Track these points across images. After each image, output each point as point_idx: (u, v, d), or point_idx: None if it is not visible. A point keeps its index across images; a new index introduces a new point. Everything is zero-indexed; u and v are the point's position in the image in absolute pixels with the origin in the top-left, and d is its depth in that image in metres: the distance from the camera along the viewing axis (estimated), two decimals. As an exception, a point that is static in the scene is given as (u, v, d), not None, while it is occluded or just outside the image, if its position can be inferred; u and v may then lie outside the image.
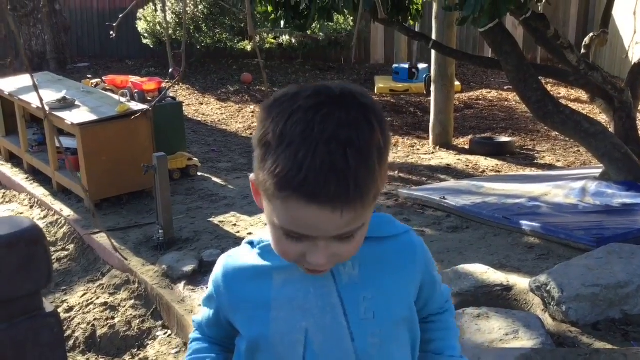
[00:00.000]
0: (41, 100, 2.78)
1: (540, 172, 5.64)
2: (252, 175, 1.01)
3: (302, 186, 0.89)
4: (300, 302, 1.06)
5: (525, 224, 3.82)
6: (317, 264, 0.97)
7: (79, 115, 4.83)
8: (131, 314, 3.71)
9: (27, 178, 5.68)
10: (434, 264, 1.20)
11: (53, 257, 4.46)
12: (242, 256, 1.13)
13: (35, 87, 2.93)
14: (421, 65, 9.28)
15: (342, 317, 1.06)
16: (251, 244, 1.13)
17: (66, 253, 4.52)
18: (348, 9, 3.55)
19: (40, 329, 0.91)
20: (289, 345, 1.06)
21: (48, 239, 4.66)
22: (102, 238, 4.36)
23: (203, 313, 1.22)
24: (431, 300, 1.20)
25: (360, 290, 1.07)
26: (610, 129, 4.60)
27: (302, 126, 0.90)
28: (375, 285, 1.08)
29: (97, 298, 3.92)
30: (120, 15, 2.10)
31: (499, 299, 2.94)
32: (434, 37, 6.12)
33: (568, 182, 4.62)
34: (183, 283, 3.68)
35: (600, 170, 4.56)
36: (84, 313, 3.83)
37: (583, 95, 7.75)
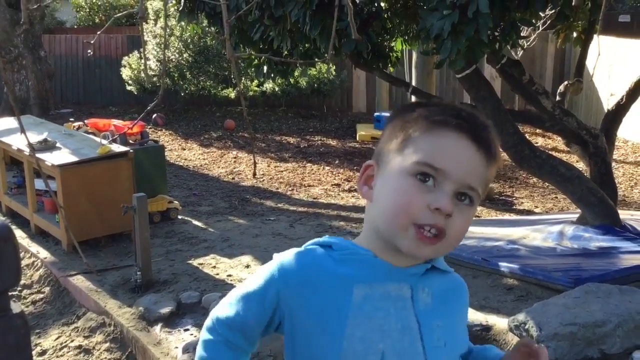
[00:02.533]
0: (29, 141, 2.79)
1: (518, 217, 5.69)
2: (369, 162, 1.09)
3: (456, 114, 1.02)
4: (379, 322, 1.03)
5: (504, 265, 3.84)
6: (444, 207, 0.98)
7: (60, 156, 4.83)
8: (106, 357, 3.63)
9: (5, 220, 5.61)
10: None
11: (28, 300, 4.38)
12: (319, 258, 1.06)
13: (22, 128, 2.94)
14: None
15: (419, 342, 1.04)
16: (327, 247, 1.07)
17: (41, 296, 4.44)
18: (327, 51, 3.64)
19: (7, 331, 0.89)
20: None
21: (23, 281, 4.59)
22: (78, 280, 4.30)
23: (234, 311, 1.09)
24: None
25: (434, 318, 1.07)
26: (586, 175, 4.69)
27: (445, 104, 1.09)
28: (445, 315, 1.09)
29: (72, 341, 3.83)
30: (98, 32, 2.12)
31: (478, 339, 2.93)
32: (414, 84, 6.26)
33: (546, 226, 4.67)
34: (160, 325, 3.62)
35: (577, 215, 4.62)
36: (57, 357, 3.74)
37: (560, 144, 7.90)
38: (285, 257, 1.08)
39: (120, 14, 2.18)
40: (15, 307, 0.96)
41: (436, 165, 0.99)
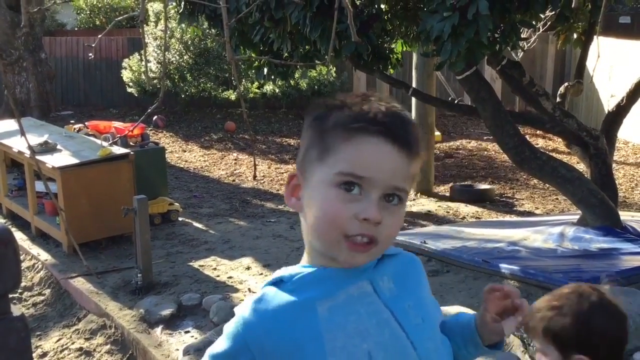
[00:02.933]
0: (29, 143, 2.78)
1: (519, 219, 5.69)
2: (294, 169, 1.08)
3: (373, 119, 0.99)
4: (354, 326, 1.03)
5: (505, 267, 3.84)
6: (372, 216, 0.98)
7: (60, 158, 4.83)
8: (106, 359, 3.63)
9: (5, 223, 5.61)
10: None
11: (28, 302, 4.38)
12: (274, 297, 1.04)
13: (22, 131, 2.94)
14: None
15: (399, 329, 1.06)
16: (278, 282, 1.06)
17: (42, 298, 4.44)
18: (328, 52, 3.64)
19: (7, 333, 0.89)
20: None
21: (24, 283, 4.59)
22: (79, 282, 4.30)
23: None
24: None
25: (403, 301, 1.09)
26: (587, 176, 4.68)
27: (356, 98, 1.04)
28: (410, 293, 1.11)
29: (72, 343, 3.84)
30: (99, 36, 2.12)
31: (479, 341, 2.93)
32: (414, 86, 6.26)
33: (546, 228, 4.67)
34: (160, 327, 3.62)
35: (578, 217, 4.62)
36: (58, 359, 3.74)
37: (560, 146, 7.90)
38: (244, 310, 1.05)
39: (120, 17, 2.18)
40: (16, 309, 0.96)
41: (360, 174, 0.98)
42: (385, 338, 1.03)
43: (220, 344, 1.05)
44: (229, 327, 1.06)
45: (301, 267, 1.07)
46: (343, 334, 1.01)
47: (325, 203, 1.00)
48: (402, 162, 1.00)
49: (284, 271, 1.07)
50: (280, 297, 1.04)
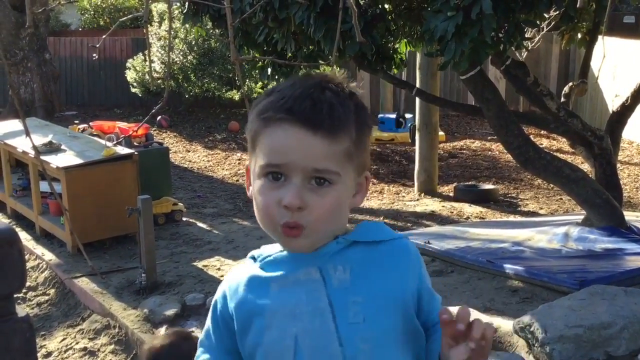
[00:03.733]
0: (33, 144, 2.79)
1: (523, 219, 5.68)
2: (248, 162, 1.11)
3: (281, 106, 1.01)
4: (291, 308, 1.07)
5: (509, 267, 3.83)
6: (289, 202, 1.00)
7: (65, 159, 4.84)
8: (111, 359, 3.63)
9: (10, 223, 5.63)
10: (429, 276, 1.17)
11: (33, 302, 4.39)
12: (245, 269, 1.15)
13: (27, 131, 2.95)
14: (406, 115, 9.42)
15: (331, 321, 1.05)
16: (253, 258, 1.16)
17: (46, 298, 4.45)
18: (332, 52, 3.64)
19: (12, 334, 0.89)
20: (280, 352, 1.06)
21: (29, 283, 4.60)
22: (83, 282, 4.31)
23: (206, 333, 1.20)
24: (434, 311, 1.12)
25: (350, 295, 1.06)
26: (591, 176, 4.67)
27: (287, 84, 1.07)
28: (365, 289, 1.06)
29: (77, 343, 3.85)
30: (103, 36, 2.12)
31: (483, 341, 2.92)
32: (417, 86, 6.25)
33: (551, 228, 4.65)
34: (165, 327, 3.61)
35: (582, 217, 4.61)
36: (62, 359, 3.75)
37: (565, 146, 7.88)
38: (228, 274, 1.20)
39: (124, 18, 2.17)
40: (21, 310, 0.96)
41: (276, 162, 1.02)
42: (315, 326, 1.05)
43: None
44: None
45: (272, 247, 1.14)
46: (281, 313, 1.06)
47: (259, 192, 1.06)
48: (318, 143, 1.01)
49: (261, 250, 1.15)
50: (248, 269, 1.14)
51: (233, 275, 1.17)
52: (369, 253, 1.09)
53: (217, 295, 1.17)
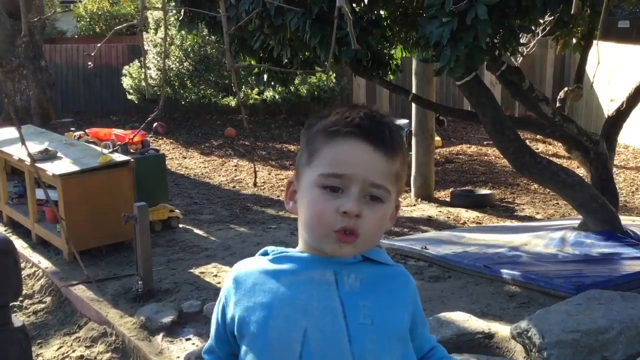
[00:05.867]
0: (29, 151, 2.79)
1: (520, 224, 5.69)
2: (291, 178, 1.19)
3: (348, 123, 1.10)
4: (302, 303, 1.12)
5: (506, 272, 3.83)
6: (349, 208, 1.07)
7: (60, 166, 4.83)
8: (107, 367, 3.62)
9: (5, 230, 5.61)
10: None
11: (29, 310, 4.37)
12: (254, 262, 1.21)
13: (22, 138, 2.94)
14: (402, 121, 9.42)
15: (342, 320, 1.11)
16: (265, 253, 1.21)
17: (43, 306, 4.43)
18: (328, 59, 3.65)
19: (8, 344, 0.89)
20: (286, 343, 1.10)
21: (25, 291, 4.58)
22: (79, 290, 4.29)
23: (212, 329, 1.26)
24: (425, 338, 1.28)
25: (360, 299, 1.14)
26: (587, 181, 4.68)
27: (345, 107, 1.16)
28: (374, 297, 1.15)
29: (73, 351, 3.83)
30: (99, 44, 2.13)
31: (480, 347, 2.92)
32: (414, 92, 6.26)
33: (547, 233, 4.66)
34: (162, 335, 3.61)
35: (579, 222, 4.61)
36: (58, 367, 3.73)
37: (560, 151, 7.90)
38: (228, 276, 1.23)
39: (120, 27, 2.18)
40: (17, 320, 0.96)
41: (338, 172, 1.09)
42: (326, 323, 1.11)
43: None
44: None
45: (286, 249, 1.20)
46: (290, 306, 1.12)
47: (313, 202, 1.11)
48: (379, 160, 1.10)
49: (274, 247, 1.22)
50: (258, 263, 1.19)
51: (241, 267, 1.21)
52: (377, 271, 1.18)
53: (223, 291, 1.22)
